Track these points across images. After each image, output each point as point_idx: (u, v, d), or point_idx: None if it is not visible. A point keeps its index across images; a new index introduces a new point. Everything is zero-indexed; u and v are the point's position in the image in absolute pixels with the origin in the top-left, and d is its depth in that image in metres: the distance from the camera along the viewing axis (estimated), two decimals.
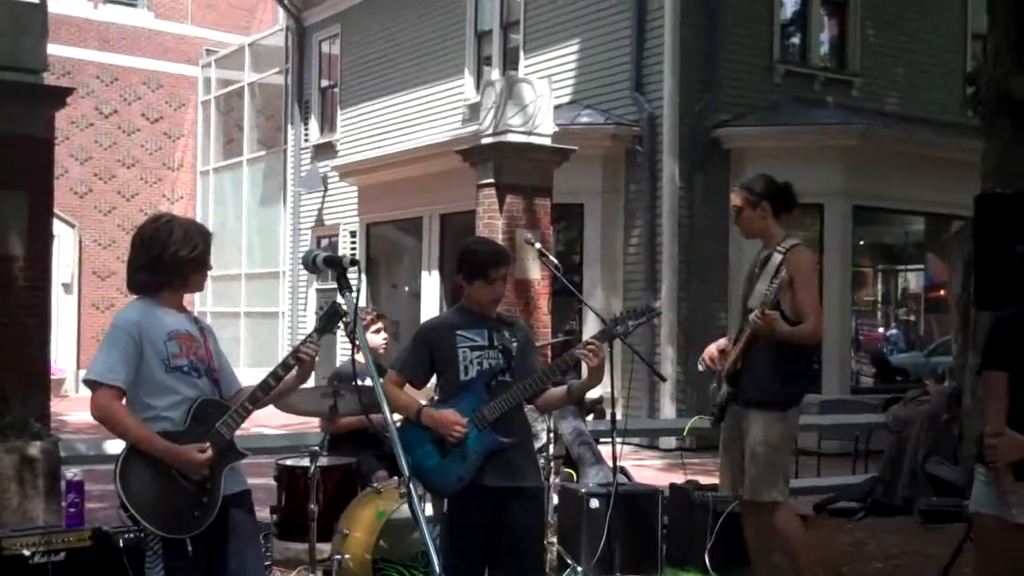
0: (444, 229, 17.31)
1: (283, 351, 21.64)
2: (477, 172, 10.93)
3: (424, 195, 17.04)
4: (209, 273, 4.14)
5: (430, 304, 17.17)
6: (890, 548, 7.41)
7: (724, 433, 5.60)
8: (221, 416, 3.93)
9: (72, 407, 16.84)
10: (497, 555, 4.47)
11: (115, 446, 7.59)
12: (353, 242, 19.75)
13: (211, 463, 3.85)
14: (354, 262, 3.46)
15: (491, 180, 10.63)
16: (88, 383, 3.84)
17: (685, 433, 8.25)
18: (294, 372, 4.01)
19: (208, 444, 3.84)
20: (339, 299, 3.56)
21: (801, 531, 5.65)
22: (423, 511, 2.99)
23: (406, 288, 18.81)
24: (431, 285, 17.46)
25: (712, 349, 5.64)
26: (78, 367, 22.85)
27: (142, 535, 3.90)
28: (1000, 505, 3.94)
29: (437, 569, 2.78)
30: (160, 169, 25.55)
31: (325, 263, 3.57)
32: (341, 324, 3.84)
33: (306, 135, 22.30)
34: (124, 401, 3.84)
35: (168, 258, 3.92)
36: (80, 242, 24.12)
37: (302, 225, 22.10)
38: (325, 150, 21.40)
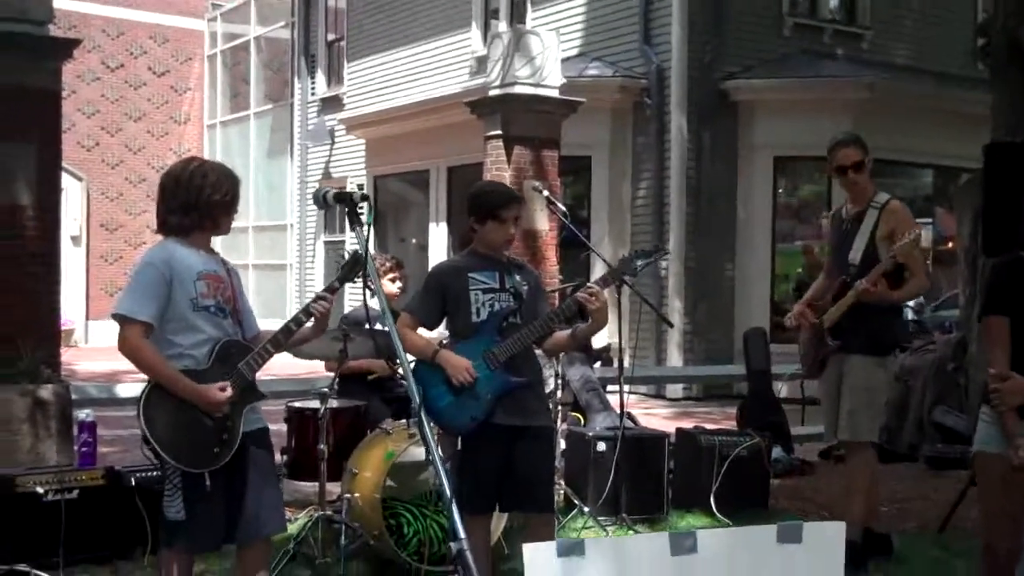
0: (451, 182, 17.29)
1: (291, 303, 21.73)
2: (484, 124, 10.91)
3: (431, 148, 17.01)
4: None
5: (437, 256, 17.14)
6: (896, 493, 7.47)
7: (824, 385, 5.79)
8: (243, 357, 3.99)
9: (81, 357, 16.96)
10: (507, 492, 4.53)
11: (126, 390, 7.69)
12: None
13: (232, 401, 3.91)
14: (364, 197, 3.49)
15: (499, 132, 10.61)
16: (116, 317, 3.87)
17: (786, 379, 8.43)
18: (312, 321, 4.11)
19: (228, 383, 3.90)
20: (350, 240, 3.60)
21: (874, 475, 5.85)
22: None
23: (414, 241, 18.83)
24: (439, 237, 17.48)
25: (801, 307, 5.82)
26: (87, 318, 22.99)
27: (161, 470, 3.95)
28: (1005, 446, 3.98)
29: (449, 495, 2.80)
30: (167, 123, 25.53)
31: (336, 199, 3.63)
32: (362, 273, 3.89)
33: (313, 88, 22.24)
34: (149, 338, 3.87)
35: (202, 201, 3.97)
36: (88, 195, 24.17)
37: (309, 178, 22.08)
38: (332, 103, 21.35)
